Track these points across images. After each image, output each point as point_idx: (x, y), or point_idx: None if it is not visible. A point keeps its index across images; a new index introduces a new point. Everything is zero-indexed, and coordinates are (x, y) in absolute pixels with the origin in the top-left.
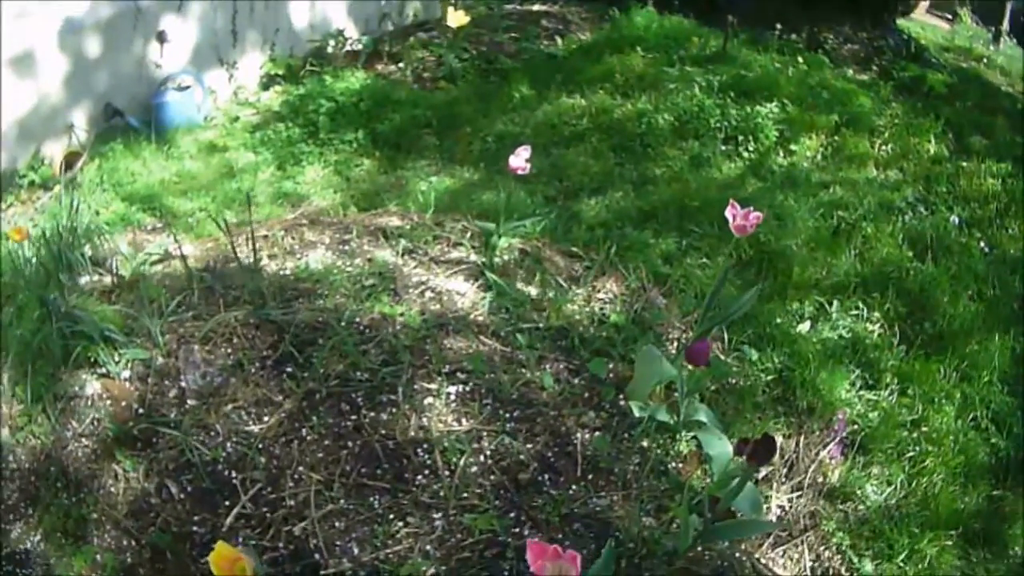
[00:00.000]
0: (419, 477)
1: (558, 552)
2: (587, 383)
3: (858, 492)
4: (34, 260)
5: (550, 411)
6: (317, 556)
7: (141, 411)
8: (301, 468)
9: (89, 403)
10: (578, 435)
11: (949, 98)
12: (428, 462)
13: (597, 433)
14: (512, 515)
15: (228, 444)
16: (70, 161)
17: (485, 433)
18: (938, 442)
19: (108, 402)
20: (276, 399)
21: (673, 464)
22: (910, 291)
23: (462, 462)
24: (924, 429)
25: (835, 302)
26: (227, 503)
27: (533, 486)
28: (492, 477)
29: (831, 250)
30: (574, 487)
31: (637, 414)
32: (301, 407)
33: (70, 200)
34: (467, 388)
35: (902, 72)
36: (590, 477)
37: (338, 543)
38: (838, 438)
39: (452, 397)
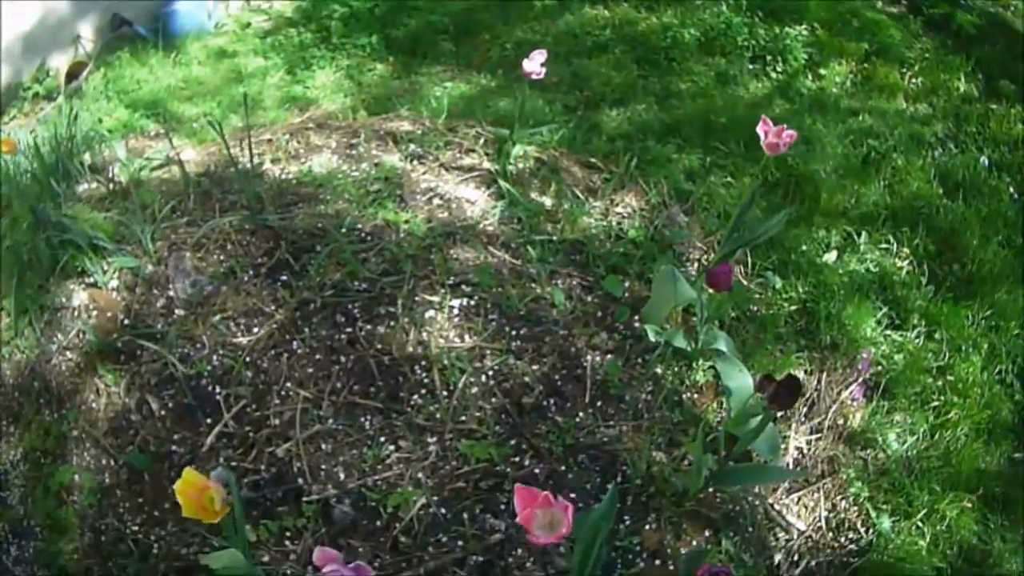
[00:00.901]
0: (415, 397)
1: (549, 500)
2: (600, 302)
3: (879, 439)
4: (29, 170)
5: (559, 330)
6: (300, 481)
7: (127, 322)
8: (289, 384)
9: (75, 314)
10: (588, 358)
11: (978, 40)
12: (425, 381)
13: (609, 356)
14: (512, 443)
15: (214, 357)
16: (75, 71)
17: (488, 351)
18: (964, 393)
19: (94, 313)
20: (267, 309)
21: (687, 395)
22: (940, 229)
23: (461, 382)
24: (950, 378)
25: (863, 233)
26: (209, 421)
27: (537, 411)
28: (493, 400)
29: (860, 179)
30: (581, 415)
31: (653, 338)
32: (293, 318)
33: (70, 109)
34: (472, 302)
35: (931, 8)
36: (599, 404)
37: (323, 467)
38: (861, 378)
39: (455, 311)
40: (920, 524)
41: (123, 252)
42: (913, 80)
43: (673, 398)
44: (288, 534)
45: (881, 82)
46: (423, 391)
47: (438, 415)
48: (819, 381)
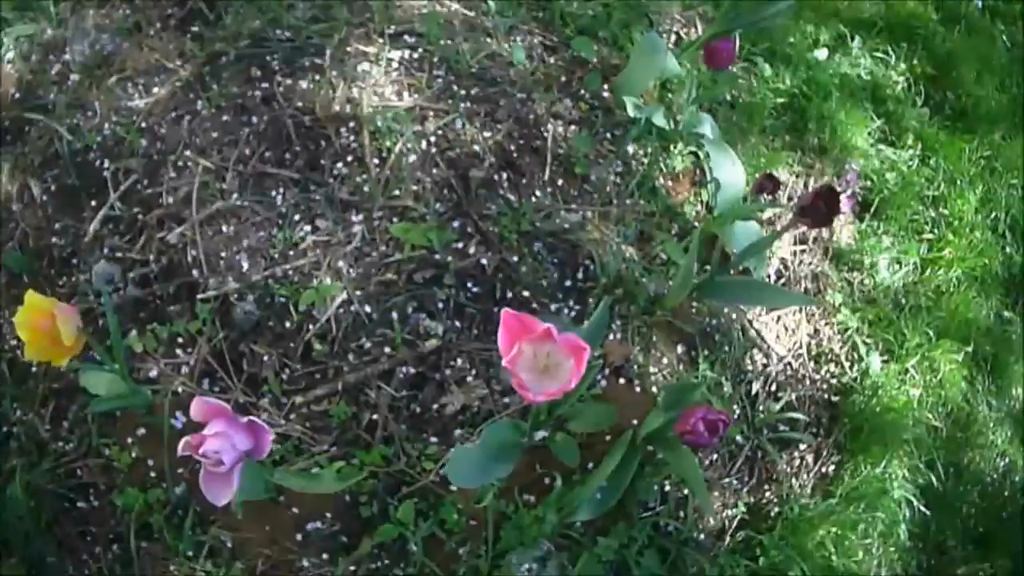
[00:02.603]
0: (338, 165)
1: (551, 333)
2: (566, 65)
3: (867, 263)
4: None
5: (517, 93)
6: (195, 273)
7: (18, 96)
8: (188, 153)
9: None
10: (549, 127)
11: None
12: (353, 146)
13: (573, 128)
14: (456, 225)
15: (105, 126)
16: None
17: (432, 113)
18: (958, 232)
19: None
20: (172, 65)
21: (661, 182)
22: (937, 54)
23: (397, 148)
24: (944, 212)
25: (856, 37)
26: (94, 204)
27: (486, 188)
28: (435, 171)
29: None
30: (539, 194)
31: (631, 112)
32: (200, 74)
33: None
34: (415, 55)
35: None
36: (560, 184)
37: (223, 255)
38: (850, 190)
39: (394, 64)
40: (912, 370)
41: (25, 20)
42: None
43: (647, 184)
44: (180, 341)
45: None
46: (349, 158)
47: (366, 188)
48: (806, 186)
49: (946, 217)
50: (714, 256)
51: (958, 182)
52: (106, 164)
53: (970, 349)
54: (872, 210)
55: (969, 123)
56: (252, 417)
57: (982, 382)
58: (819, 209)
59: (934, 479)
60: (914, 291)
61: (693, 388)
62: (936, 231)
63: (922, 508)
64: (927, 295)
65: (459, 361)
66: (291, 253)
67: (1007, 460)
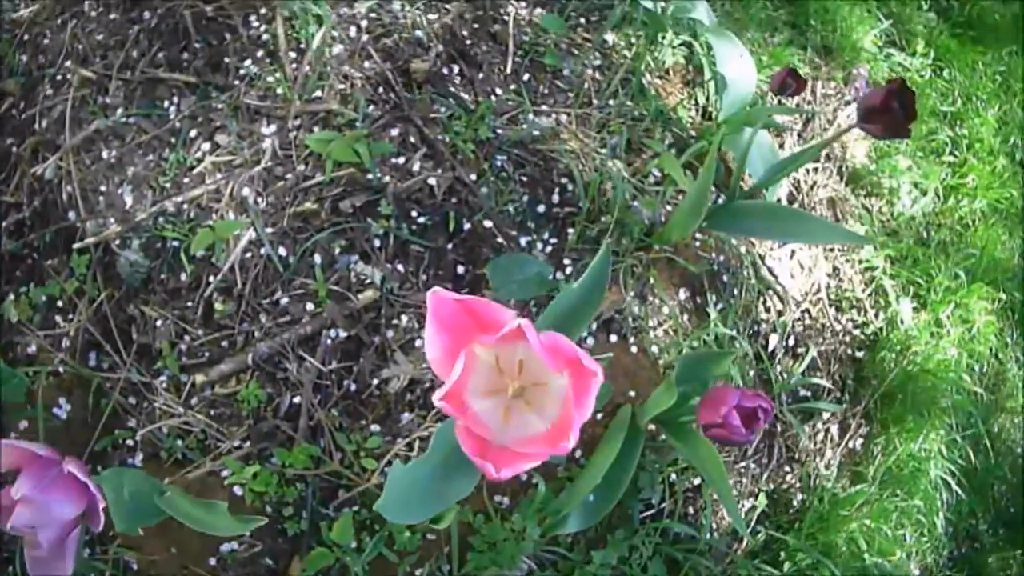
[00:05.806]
0: (246, 63)
1: (523, 334)
2: None
3: (887, 187)
4: None
5: None
6: (72, 215)
7: None
8: (69, 63)
9: None
10: (511, 8)
11: None
12: (264, 37)
13: (540, 12)
14: (395, 133)
15: None
16: None
17: None
18: (980, 156)
19: None
20: None
21: (649, 80)
22: None
23: (319, 38)
24: (963, 132)
25: None
26: None
27: (434, 85)
28: (367, 64)
29: None
30: (500, 92)
31: None
32: None
33: None
34: None
35: None
36: (526, 79)
37: (103, 189)
38: (860, 97)
39: None
40: (947, 322)
41: None
42: None
43: (633, 82)
44: (59, 305)
45: None
46: (259, 53)
47: (279, 90)
48: (813, 91)
49: (965, 138)
50: (734, 175)
51: (974, 99)
52: None
53: (1003, 297)
54: None
55: (979, 34)
56: (71, 467)
57: (1010, 334)
58: (892, 112)
59: (971, 453)
60: (937, 223)
61: (718, 359)
62: (957, 153)
63: (958, 490)
64: (952, 228)
65: (404, 319)
66: (185, 180)
67: None
